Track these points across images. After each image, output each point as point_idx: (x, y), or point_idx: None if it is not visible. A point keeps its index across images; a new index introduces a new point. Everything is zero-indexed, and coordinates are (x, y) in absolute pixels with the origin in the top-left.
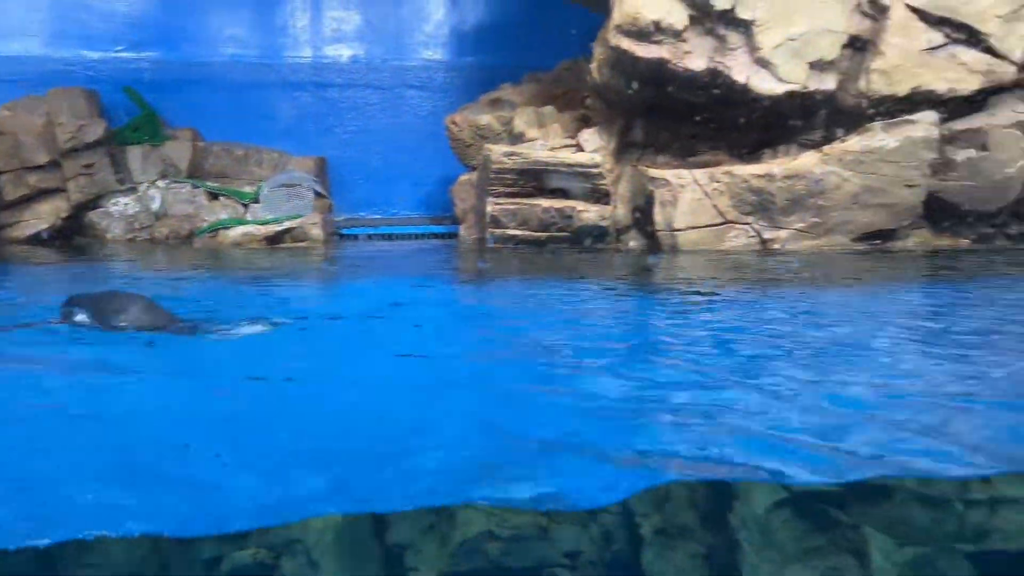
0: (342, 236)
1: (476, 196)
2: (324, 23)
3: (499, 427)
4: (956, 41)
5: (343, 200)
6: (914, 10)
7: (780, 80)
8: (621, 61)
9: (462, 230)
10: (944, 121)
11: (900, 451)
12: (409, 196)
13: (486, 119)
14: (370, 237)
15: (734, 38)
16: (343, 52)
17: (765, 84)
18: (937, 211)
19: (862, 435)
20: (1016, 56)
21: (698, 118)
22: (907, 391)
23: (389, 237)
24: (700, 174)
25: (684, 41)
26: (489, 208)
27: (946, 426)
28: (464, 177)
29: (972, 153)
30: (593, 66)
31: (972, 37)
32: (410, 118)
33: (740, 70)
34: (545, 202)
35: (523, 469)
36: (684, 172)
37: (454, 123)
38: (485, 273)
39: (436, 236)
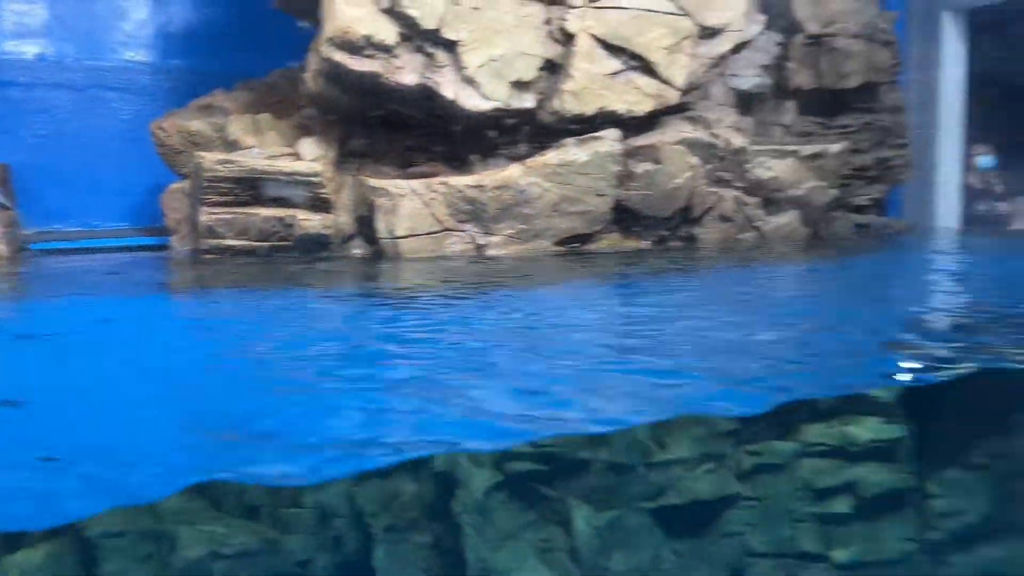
0: (32, 251)
1: (189, 205)
2: (3, 16)
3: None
4: (632, 68)
5: (32, 211)
6: (596, 39)
7: (485, 98)
8: (335, 73)
9: (174, 241)
10: (625, 138)
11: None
12: (112, 206)
13: (197, 125)
14: (70, 251)
15: (442, 56)
16: (27, 49)
17: (472, 101)
18: (623, 217)
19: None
20: (678, 83)
21: (414, 130)
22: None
23: (90, 251)
24: (418, 184)
25: (396, 57)
26: (203, 218)
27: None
28: (175, 186)
29: (648, 166)
30: (308, 76)
31: (644, 65)
32: (110, 122)
33: (448, 87)
34: (265, 211)
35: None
36: (403, 182)
37: (161, 129)
38: (194, 286)
39: (145, 248)
